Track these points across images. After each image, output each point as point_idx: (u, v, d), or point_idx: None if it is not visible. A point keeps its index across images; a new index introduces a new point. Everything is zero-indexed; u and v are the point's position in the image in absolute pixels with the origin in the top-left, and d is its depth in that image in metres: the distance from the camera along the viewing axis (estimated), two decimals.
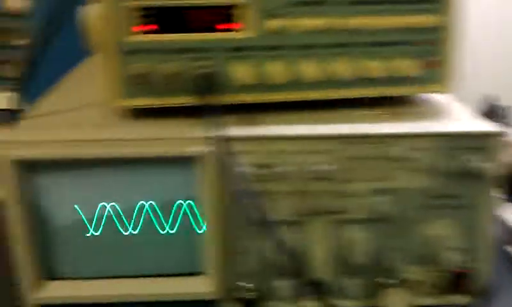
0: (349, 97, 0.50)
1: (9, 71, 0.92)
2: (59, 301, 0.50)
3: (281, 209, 0.48)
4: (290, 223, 0.48)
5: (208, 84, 0.46)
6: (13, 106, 0.52)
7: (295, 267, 0.47)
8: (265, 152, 0.46)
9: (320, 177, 0.46)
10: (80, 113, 0.52)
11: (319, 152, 0.46)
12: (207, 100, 0.45)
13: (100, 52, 0.50)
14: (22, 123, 0.49)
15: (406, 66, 0.49)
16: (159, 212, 0.49)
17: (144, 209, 0.49)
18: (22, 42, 0.92)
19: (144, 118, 0.49)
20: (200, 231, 0.49)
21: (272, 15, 0.47)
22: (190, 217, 0.49)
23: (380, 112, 0.50)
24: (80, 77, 0.66)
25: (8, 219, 0.47)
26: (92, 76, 0.63)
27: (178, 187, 0.48)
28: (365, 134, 0.46)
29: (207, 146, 0.46)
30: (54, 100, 0.57)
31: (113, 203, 0.48)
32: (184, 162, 0.47)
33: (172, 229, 0.50)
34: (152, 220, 0.49)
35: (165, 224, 0.49)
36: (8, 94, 0.52)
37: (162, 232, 0.49)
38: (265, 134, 0.46)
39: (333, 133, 0.46)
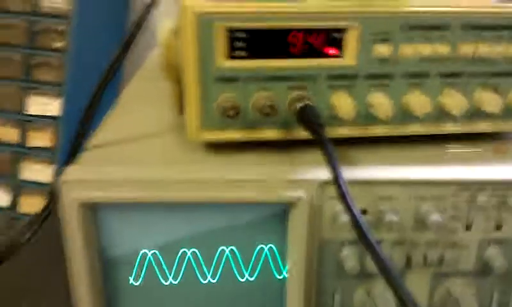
0: (461, 132, 0.44)
1: (49, 74, 0.86)
2: None
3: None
4: None
5: (313, 116, 0.39)
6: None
7: None
8: (370, 197, 0.40)
9: (430, 226, 0.40)
10: (147, 144, 0.45)
11: (432, 199, 0.40)
12: (317, 134, 0.38)
13: (173, 79, 0.44)
14: (85, 155, 0.43)
15: None
16: (239, 258, 0.44)
17: (225, 255, 0.43)
18: (61, 44, 0.86)
19: (222, 153, 0.43)
20: (280, 278, 0.44)
21: (383, 39, 0.40)
22: (271, 263, 0.44)
23: (481, 149, 0.45)
24: (131, 104, 0.57)
25: (70, 265, 0.42)
26: (149, 100, 0.57)
27: (262, 232, 0.42)
28: (488, 181, 0.40)
29: (305, 191, 0.39)
30: (113, 126, 0.49)
31: (192, 249, 0.43)
32: (273, 206, 0.41)
33: (251, 276, 0.44)
34: (231, 267, 0.44)
35: (244, 271, 0.44)
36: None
37: (241, 279, 0.44)
38: (372, 178, 0.40)
39: (451, 178, 0.40)
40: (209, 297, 0.44)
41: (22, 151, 0.87)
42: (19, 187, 0.89)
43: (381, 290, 0.42)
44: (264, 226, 0.42)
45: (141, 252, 0.42)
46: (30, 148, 0.87)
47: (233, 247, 0.43)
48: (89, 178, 0.40)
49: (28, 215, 0.87)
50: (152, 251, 0.42)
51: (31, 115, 0.89)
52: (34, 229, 0.46)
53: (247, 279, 0.44)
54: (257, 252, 0.43)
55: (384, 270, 0.34)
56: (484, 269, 0.43)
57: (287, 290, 0.43)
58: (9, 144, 0.89)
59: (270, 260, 0.43)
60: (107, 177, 0.40)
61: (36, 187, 0.87)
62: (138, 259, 0.42)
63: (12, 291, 0.57)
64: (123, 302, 0.44)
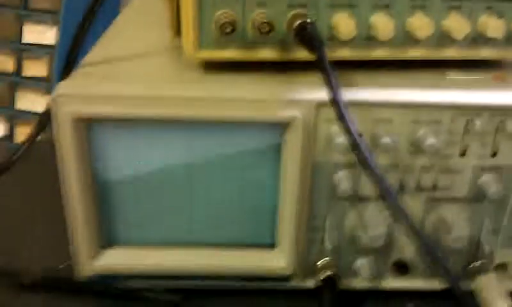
0: (464, 58, 0.43)
1: (45, 2, 0.84)
2: (117, 270, 0.45)
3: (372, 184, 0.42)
4: (381, 199, 0.42)
5: (312, 34, 0.38)
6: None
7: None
8: (366, 120, 0.40)
9: (425, 150, 0.40)
10: (143, 63, 0.45)
11: (428, 123, 0.40)
12: (315, 52, 0.37)
13: None
14: (79, 72, 0.42)
15: None
16: (233, 176, 0.43)
17: (219, 172, 0.43)
18: None
19: (218, 73, 0.42)
20: (273, 202, 0.44)
21: None
22: (264, 186, 0.44)
23: (480, 77, 0.44)
24: (133, 19, 0.58)
25: (63, 180, 0.42)
26: (147, 21, 0.56)
27: (256, 151, 0.42)
28: (485, 106, 0.40)
29: (301, 111, 0.39)
30: (109, 45, 0.49)
31: (187, 169, 0.42)
32: (265, 126, 0.41)
33: (245, 199, 0.44)
34: (225, 184, 0.44)
35: (238, 192, 0.44)
36: None
37: (235, 198, 0.44)
38: (372, 100, 0.39)
39: (448, 102, 0.40)
40: (203, 216, 0.44)
41: (18, 81, 0.87)
42: (15, 117, 0.89)
43: (372, 213, 0.43)
44: (259, 149, 0.42)
45: (137, 169, 0.42)
46: (25, 78, 0.86)
47: (227, 169, 0.43)
48: (83, 93, 0.39)
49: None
50: (148, 168, 0.42)
51: (26, 44, 0.87)
52: (26, 147, 0.46)
53: (240, 200, 0.44)
54: (251, 175, 0.43)
55: (382, 189, 0.35)
56: (477, 196, 0.43)
57: (279, 212, 0.44)
58: (4, 74, 0.88)
59: (264, 184, 0.43)
60: (101, 92, 0.39)
61: (31, 117, 0.87)
62: (134, 176, 0.43)
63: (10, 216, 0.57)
64: (118, 217, 0.44)
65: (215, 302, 0.45)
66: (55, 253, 0.50)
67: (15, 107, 0.86)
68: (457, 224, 0.43)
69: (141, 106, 0.39)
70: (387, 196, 0.35)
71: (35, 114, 0.86)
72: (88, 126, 0.40)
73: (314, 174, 0.42)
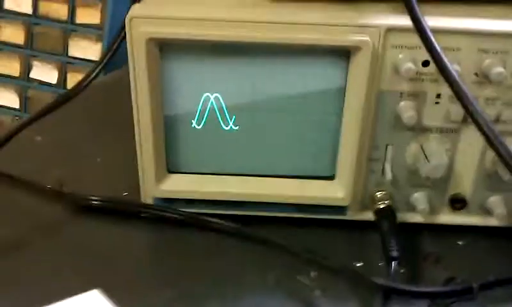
0: None
1: None
2: (180, 195, 0.47)
3: (436, 113, 0.43)
4: (443, 130, 0.43)
5: None
6: None
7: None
8: None
9: (492, 80, 0.40)
10: None
11: (495, 52, 0.40)
12: None
13: None
14: None
15: None
16: (296, 107, 0.44)
17: (283, 102, 0.44)
18: None
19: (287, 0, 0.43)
20: (335, 131, 0.45)
21: None
22: (327, 115, 0.44)
23: None
24: None
25: (135, 104, 0.44)
26: None
27: (320, 81, 0.43)
28: None
29: (370, 36, 0.39)
30: None
31: (254, 96, 0.44)
32: (333, 53, 0.41)
33: (308, 127, 0.45)
34: (288, 114, 0.44)
35: (301, 120, 0.45)
36: None
37: (297, 128, 0.45)
38: (441, 27, 0.39)
39: None
40: (265, 144, 0.45)
41: (71, 28, 0.89)
42: (67, 64, 0.91)
43: (434, 144, 0.43)
44: (324, 75, 0.42)
45: (204, 95, 0.44)
46: (78, 25, 0.88)
47: (292, 96, 0.44)
48: (156, 14, 0.41)
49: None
50: (215, 95, 0.44)
51: None
52: (101, 67, 0.48)
53: (303, 128, 0.45)
54: (314, 102, 0.44)
55: (467, 106, 0.34)
56: None
57: (341, 142, 0.44)
58: (58, 21, 0.90)
59: (327, 113, 0.44)
60: (173, 14, 0.40)
61: (83, 64, 0.89)
62: (201, 103, 0.44)
63: (63, 149, 0.60)
64: (184, 144, 0.46)
65: (273, 230, 0.46)
66: (118, 182, 0.53)
67: (67, 54, 0.89)
68: None
69: (211, 28, 0.40)
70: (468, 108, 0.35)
71: (87, 61, 0.88)
72: (160, 47, 0.42)
73: (378, 103, 0.42)
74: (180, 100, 0.44)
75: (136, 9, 0.41)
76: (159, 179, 0.46)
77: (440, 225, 0.48)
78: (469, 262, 0.46)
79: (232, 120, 0.44)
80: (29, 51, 0.91)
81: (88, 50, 0.88)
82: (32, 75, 0.91)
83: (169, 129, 0.45)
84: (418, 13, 0.35)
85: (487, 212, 0.46)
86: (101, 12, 0.86)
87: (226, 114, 0.44)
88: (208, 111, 0.44)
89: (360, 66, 0.41)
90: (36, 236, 0.47)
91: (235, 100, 0.44)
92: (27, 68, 0.90)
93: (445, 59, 0.35)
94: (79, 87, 0.48)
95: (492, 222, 0.47)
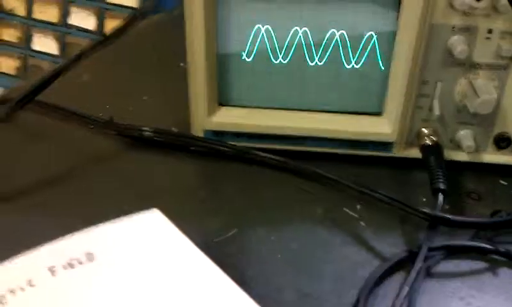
0: None
1: None
2: (231, 128, 0.48)
3: (487, 49, 0.43)
4: (493, 67, 0.43)
5: None
6: None
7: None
8: None
9: None
10: None
11: None
12: None
13: None
14: None
15: None
16: (348, 43, 0.45)
17: (334, 39, 0.45)
18: None
19: None
20: (384, 69, 0.45)
21: None
22: (378, 51, 0.45)
23: None
24: None
25: (187, 37, 0.45)
26: None
27: (372, 17, 0.43)
28: None
29: None
30: None
31: (304, 29, 0.44)
32: None
33: (357, 64, 0.46)
34: (339, 52, 0.45)
35: (352, 58, 0.45)
36: None
37: (347, 66, 0.46)
38: None
39: None
40: (315, 79, 0.46)
41: None
42: (105, 10, 0.92)
43: (483, 80, 0.44)
44: (376, 10, 0.43)
45: (255, 27, 0.44)
46: None
47: (343, 31, 0.44)
48: None
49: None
50: (266, 27, 0.44)
51: None
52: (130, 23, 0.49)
53: (353, 66, 0.46)
54: (366, 40, 0.45)
55: None
56: None
57: (391, 76, 0.45)
58: None
59: (377, 50, 0.45)
60: None
61: (120, 10, 0.90)
62: (252, 35, 0.45)
63: (111, 88, 0.61)
64: (235, 77, 0.47)
65: (320, 165, 0.47)
66: (166, 119, 0.54)
67: (105, 0, 0.90)
68: None
69: None
70: None
71: (124, 7, 0.89)
72: None
73: (430, 37, 0.43)
74: (232, 33, 0.45)
75: None
76: (210, 111, 0.47)
77: (484, 164, 0.49)
78: (511, 201, 0.47)
79: (282, 54, 0.45)
80: None
81: None
82: (71, 21, 0.92)
83: (220, 62, 0.46)
84: None
85: None
86: None
87: (277, 47, 0.45)
88: (259, 44, 0.45)
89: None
90: (89, 166, 0.49)
91: (285, 34, 0.44)
92: (65, 14, 0.92)
93: None
94: (119, 32, 0.49)
95: None
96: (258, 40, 0.45)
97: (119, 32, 0.51)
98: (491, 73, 0.44)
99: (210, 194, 0.47)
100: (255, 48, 0.45)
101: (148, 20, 0.74)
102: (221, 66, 0.46)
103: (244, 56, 0.46)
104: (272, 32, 0.44)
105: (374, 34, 0.44)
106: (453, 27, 0.42)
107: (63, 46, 0.93)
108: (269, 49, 0.45)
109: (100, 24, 0.91)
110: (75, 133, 0.53)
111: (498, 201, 0.47)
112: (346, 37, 0.44)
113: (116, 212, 0.38)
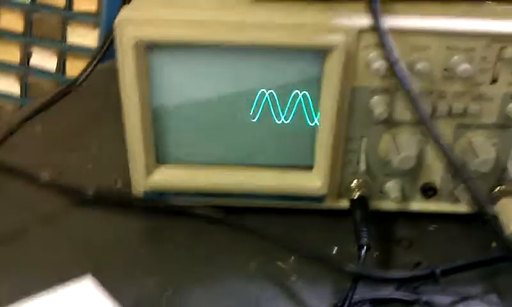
0: None
1: None
2: (168, 187, 0.50)
3: (407, 108, 0.45)
4: (414, 123, 0.46)
5: None
6: None
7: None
8: (403, 47, 0.42)
9: (458, 76, 0.43)
10: None
11: (462, 50, 0.42)
12: None
13: None
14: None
15: None
16: (277, 101, 0.47)
17: (264, 98, 0.47)
18: None
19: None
20: (311, 124, 0.47)
21: None
22: (304, 109, 0.47)
23: None
24: None
25: (124, 101, 0.46)
26: None
27: (298, 77, 0.45)
28: None
29: (343, 37, 0.42)
30: None
31: (235, 88, 0.46)
32: (310, 54, 0.44)
33: (287, 120, 0.48)
34: (270, 109, 0.47)
35: (281, 114, 0.47)
36: None
37: (278, 122, 0.47)
38: (410, 27, 0.42)
39: (483, 30, 0.42)
40: (247, 136, 0.48)
41: (69, 15, 0.91)
42: (66, 51, 0.93)
43: (405, 137, 0.46)
44: (302, 72, 0.45)
45: (188, 90, 0.46)
46: (76, 13, 0.90)
47: (272, 91, 0.46)
48: (143, 17, 0.43)
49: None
50: (198, 90, 0.46)
51: None
52: (90, 70, 0.50)
53: (283, 121, 0.47)
54: (292, 98, 0.47)
55: (417, 109, 0.37)
56: (505, 122, 0.45)
57: (318, 134, 0.47)
58: (56, 8, 0.92)
59: (304, 107, 0.47)
60: (159, 17, 0.43)
61: (82, 51, 0.92)
62: (185, 97, 0.46)
63: (61, 141, 0.63)
64: (170, 137, 0.48)
65: (255, 218, 0.49)
66: (110, 174, 0.56)
67: (66, 41, 0.91)
68: (484, 149, 0.45)
69: (195, 30, 0.43)
70: (420, 116, 0.38)
71: (85, 48, 0.90)
72: (147, 51, 0.44)
73: (352, 99, 0.45)
74: (166, 95, 0.46)
75: (124, 13, 0.43)
76: (149, 171, 0.49)
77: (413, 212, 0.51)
78: (439, 247, 0.49)
79: (215, 112, 0.47)
80: (28, 38, 0.93)
81: (86, 37, 0.90)
82: (32, 61, 0.93)
83: (156, 122, 0.48)
84: (379, 20, 0.38)
85: (456, 199, 0.49)
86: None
87: (209, 107, 0.47)
88: (193, 104, 0.47)
89: (334, 64, 0.43)
90: (34, 226, 0.50)
91: (216, 94, 0.46)
92: (26, 55, 0.93)
93: (401, 69, 0.37)
94: (76, 81, 0.51)
95: (461, 208, 0.50)
96: (192, 102, 0.46)
97: (74, 84, 0.52)
98: (413, 129, 0.46)
99: (149, 252, 0.48)
100: (189, 108, 0.47)
101: (107, 64, 0.76)
102: (157, 125, 0.48)
103: (179, 116, 0.47)
104: (205, 91, 0.46)
105: (299, 92, 0.46)
106: (373, 89, 0.44)
107: (25, 86, 0.94)
108: (202, 110, 0.47)
109: (62, 64, 0.92)
110: (21, 192, 0.54)
111: (427, 247, 0.49)
112: (275, 95, 0.46)
113: (52, 276, 0.39)
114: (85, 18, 0.89)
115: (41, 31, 0.91)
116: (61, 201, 0.53)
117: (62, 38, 0.91)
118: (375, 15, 0.38)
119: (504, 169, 0.47)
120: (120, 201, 0.52)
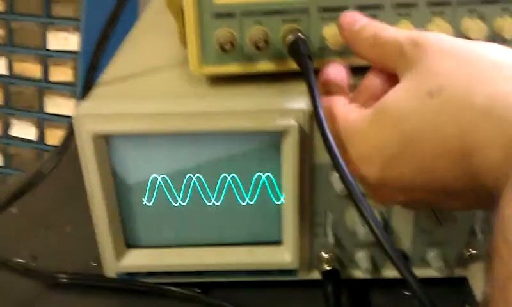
0: None
1: (67, 9, 0.89)
2: (139, 269, 0.50)
3: None
4: None
5: (302, 48, 0.41)
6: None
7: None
8: None
9: None
10: (155, 79, 0.49)
11: None
12: (302, 66, 0.41)
13: (177, 14, 0.47)
14: (97, 91, 0.47)
15: None
16: (240, 184, 0.47)
17: (227, 182, 0.47)
18: None
19: (221, 85, 0.46)
20: (277, 202, 0.47)
21: None
22: (268, 189, 0.47)
23: None
24: (142, 37, 0.61)
25: (88, 188, 0.47)
26: (160, 33, 0.59)
27: (258, 159, 0.46)
28: None
29: (296, 119, 0.42)
30: (124, 62, 0.53)
31: (198, 175, 0.47)
32: (269, 136, 0.44)
33: (252, 201, 0.48)
34: (233, 192, 0.47)
35: (245, 196, 0.48)
36: None
37: (242, 203, 0.48)
38: None
39: None
40: (214, 217, 0.48)
41: (45, 86, 0.92)
42: (44, 121, 0.95)
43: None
44: (262, 155, 0.46)
45: (152, 176, 0.46)
46: (52, 83, 0.92)
47: (234, 174, 0.47)
48: (101, 112, 0.44)
49: (55, 146, 0.93)
50: (162, 176, 0.46)
51: (51, 50, 0.92)
52: (55, 162, 0.51)
53: (247, 202, 0.48)
54: (255, 180, 0.47)
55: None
56: None
57: (283, 211, 0.47)
58: (33, 80, 0.93)
59: (268, 187, 0.47)
60: (117, 111, 0.44)
61: (60, 120, 0.93)
62: (149, 183, 0.47)
63: (36, 220, 0.63)
64: (138, 221, 0.49)
65: (231, 294, 0.50)
66: (85, 254, 0.55)
67: (43, 111, 0.92)
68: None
69: (152, 122, 0.43)
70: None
71: (63, 116, 0.91)
72: (106, 140, 0.45)
73: (313, 175, 0.45)
74: (129, 181, 0.47)
75: (81, 107, 0.44)
76: (118, 254, 0.49)
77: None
78: None
79: (180, 197, 0.47)
80: (7, 110, 0.94)
81: (62, 106, 0.91)
82: (12, 132, 0.94)
83: (122, 208, 0.48)
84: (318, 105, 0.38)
85: (428, 264, 0.49)
86: (73, 69, 0.89)
87: (174, 192, 0.47)
88: (157, 190, 0.47)
89: (290, 145, 0.44)
90: None
91: (180, 179, 0.47)
92: (6, 127, 0.94)
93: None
94: (51, 164, 0.51)
95: (433, 273, 0.49)
96: (156, 187, 0.47)
97: (46, 169, 0.52)
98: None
99: None
100: (154, 194, 0.47)
101: None
102: (124, 211, 0.48)
103: (145, 201, 0.48)
104: (168, 179, 0.46)
105: (262, 174, 0.46)
106: (331, 165, 0.44)
107: (6, 157, 0.95)
108: (167, 194, 0.47)
109: (41, 134, 0.93)
110: None
111: None
112: (237, 179, 0.47)
113: None
114: (61, 88, 0.91)
115: (19, 102, 0.93)
116: (35, 285, 0.52)
117: (40, 108, 0.92)
118: (314, 102, 0.38)
119: (473, 233, 0.48)
120: (94, 284, 0.52)
